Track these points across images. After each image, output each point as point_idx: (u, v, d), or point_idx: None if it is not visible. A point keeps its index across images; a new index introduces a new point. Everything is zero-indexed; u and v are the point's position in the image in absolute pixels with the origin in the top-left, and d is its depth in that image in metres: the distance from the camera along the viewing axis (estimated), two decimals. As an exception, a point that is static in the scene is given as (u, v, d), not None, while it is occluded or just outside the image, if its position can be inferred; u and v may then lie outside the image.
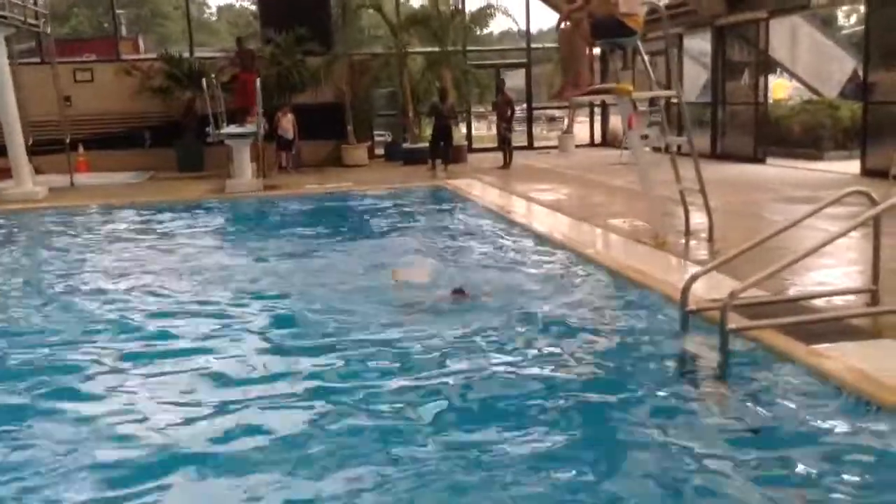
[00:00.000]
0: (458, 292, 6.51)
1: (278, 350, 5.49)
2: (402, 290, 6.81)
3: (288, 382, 4.81)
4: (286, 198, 13.68)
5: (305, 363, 5.15)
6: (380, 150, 20.38)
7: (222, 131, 14.86)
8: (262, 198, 13.79)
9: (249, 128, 14.98)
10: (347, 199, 13.58)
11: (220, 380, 4.90)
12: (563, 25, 8.13)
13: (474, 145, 21.25)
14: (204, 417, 4.36)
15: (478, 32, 21.32)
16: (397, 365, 5.07)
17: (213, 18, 41.93)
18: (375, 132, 20.88)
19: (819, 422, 4.01)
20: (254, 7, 23.40)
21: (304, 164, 18.04)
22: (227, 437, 4.06)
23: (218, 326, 6.05)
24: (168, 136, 18.37)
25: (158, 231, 10.92)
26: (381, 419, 4.24)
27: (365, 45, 19.98)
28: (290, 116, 17.36)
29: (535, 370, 4.91)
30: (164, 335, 5.85)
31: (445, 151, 16.82)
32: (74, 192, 15.05)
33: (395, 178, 15.70)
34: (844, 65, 20.02)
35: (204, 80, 15.03)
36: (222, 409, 4.45)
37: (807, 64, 20.05)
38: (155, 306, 6.70)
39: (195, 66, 18.29)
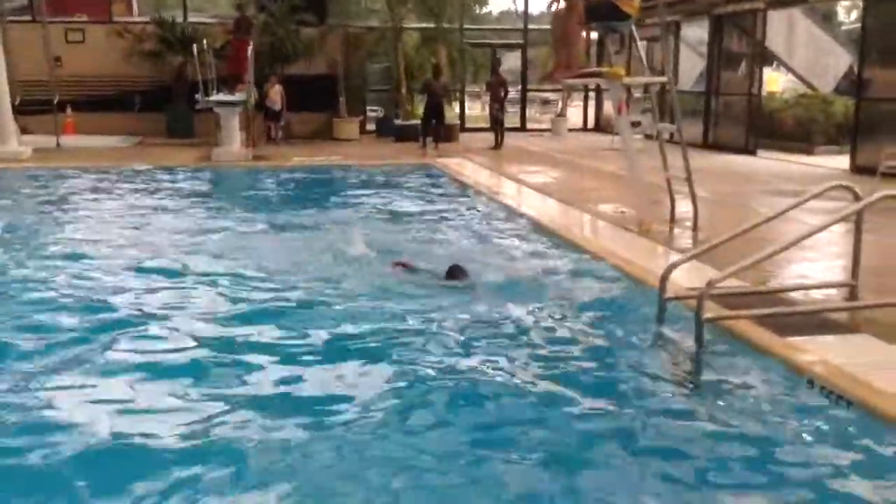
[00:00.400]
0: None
1: (248, 323, 5.39)
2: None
3: (258, 357, 4.73)
4: (273, 169, 13.57)
5: (276, 338, 5.09)
6: (371, 126, 20.25)
7: (211, 98, 14.71)
8: (249, 168, 13.68)
9: (239, 96, 14.84)
10: (335, 173, 13.48)
11: (186, 353, 4.81)
12: (555, 6, 8.04)
13: (467, 125, 21.15)
14: (177, 394, 4.26)
15: (476, 11, 21.14)
16: (371, 342, 5.00)
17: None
18: (368, 107, 20.73)
19: (790, 416, 3.99)
20: (250, -26, 23.14)
21: (295, 136, 17.92)
22: (207, 416, 3.95)
23: (184, 295, 5.95)
24: (159, 101, 18.20)
25: (138, 197, 10.77)
26: (358, 397, 4.20)
27: (360, 18, 19.77)
28: (277, 87, 17.17)
29: (508, 355, 4.85)
30: (131, 305, 5.67)
31: (437, 130, 16.73)
32: (59, 153, 14.90)
33: (386, 155, 15.61)
34: (841, 60, 19.99)
35: (195, 46, 14.86)
36: (197, 382, 4.37)
37: (803, 58, 20.03)
38: (122, 276, 6.49)
39: (188, 30, 18.09)
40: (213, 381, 4.39)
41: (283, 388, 4.32)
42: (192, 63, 15.40)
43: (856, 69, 15.12)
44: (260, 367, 4.60)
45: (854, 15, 26.66)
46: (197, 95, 14.81)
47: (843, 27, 26.13)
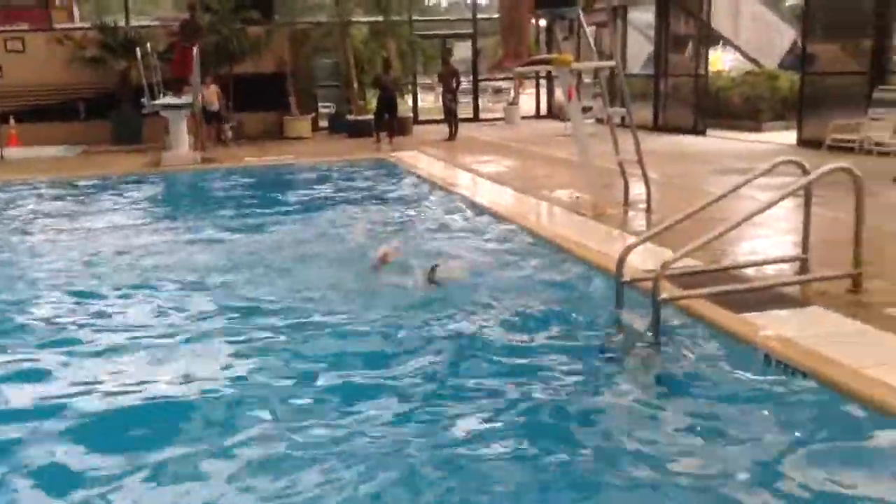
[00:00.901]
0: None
1: (212, 329, 5.33)
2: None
3: (224, 365, 4.68)
4: (223, 171, 13.37)
5: (243, 344, 5.03)
6: (324, 123, 20.06)
7: (157, 102, 14.44)
8: (198, 171, 13.46)
9: (185, 99, 14.57)
10: (287, 172, 13.34)
11: (154, 365, 4.72)
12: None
13: (421, 117, 21.06)
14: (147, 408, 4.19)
15: (425, 2, 21.00)
16: (334, 342, 4.98)
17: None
18: (320, 104, 20.52)
19: (746, 389, 4.04)
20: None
21: (245, 137, 17.66)
22: (181, 431, 3.89)
23: (146, 310, 5.82)
24: (104, 108, 17.81)
25: (84, 208, 10.50)
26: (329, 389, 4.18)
27: (307, 14, 19.55)
28: (213, 87, 16.71)
29: (469, 341, 4.88)
30: (91, 326, 5.49)
31: (390, 123, 16.64)
32: (4, 165, 14.55)
33: (339, 151, 15.49)
34: (785, 36, 20.27)
35: (138, 50, 14.57)
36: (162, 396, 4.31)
37: (748, 36, 20.26)
38: (80, 294, 6.24)
39: (131, 35, 17.73)
40: (183, 392, 4.32)
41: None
42: (136, 67, 15.07)
43: (800, 44, 15.34)
44: (221, 370, 4.56)
45: (797, -9, 27.06)
46: (143, 100, 14.53)
47: (788, 3, 26.49)
